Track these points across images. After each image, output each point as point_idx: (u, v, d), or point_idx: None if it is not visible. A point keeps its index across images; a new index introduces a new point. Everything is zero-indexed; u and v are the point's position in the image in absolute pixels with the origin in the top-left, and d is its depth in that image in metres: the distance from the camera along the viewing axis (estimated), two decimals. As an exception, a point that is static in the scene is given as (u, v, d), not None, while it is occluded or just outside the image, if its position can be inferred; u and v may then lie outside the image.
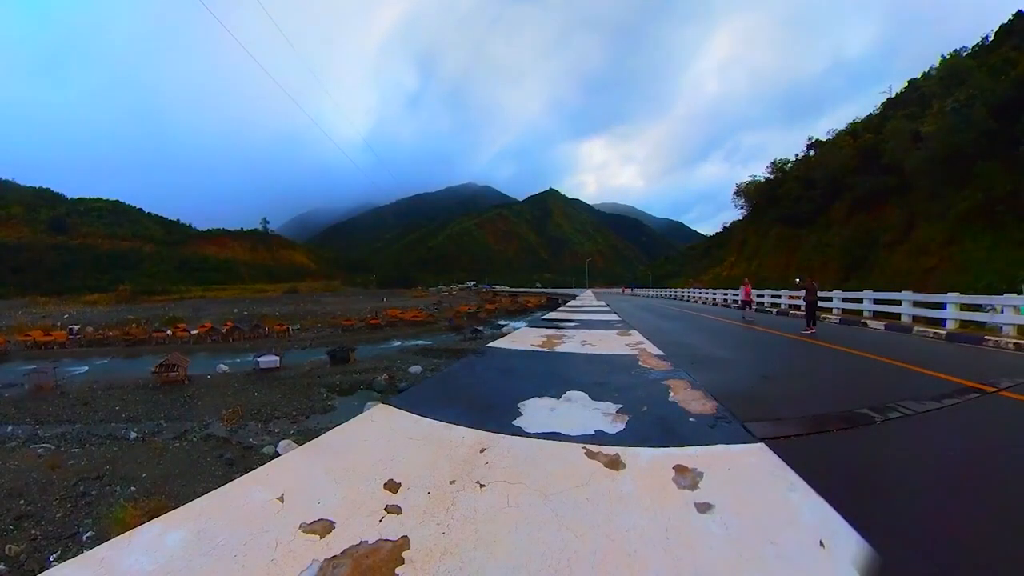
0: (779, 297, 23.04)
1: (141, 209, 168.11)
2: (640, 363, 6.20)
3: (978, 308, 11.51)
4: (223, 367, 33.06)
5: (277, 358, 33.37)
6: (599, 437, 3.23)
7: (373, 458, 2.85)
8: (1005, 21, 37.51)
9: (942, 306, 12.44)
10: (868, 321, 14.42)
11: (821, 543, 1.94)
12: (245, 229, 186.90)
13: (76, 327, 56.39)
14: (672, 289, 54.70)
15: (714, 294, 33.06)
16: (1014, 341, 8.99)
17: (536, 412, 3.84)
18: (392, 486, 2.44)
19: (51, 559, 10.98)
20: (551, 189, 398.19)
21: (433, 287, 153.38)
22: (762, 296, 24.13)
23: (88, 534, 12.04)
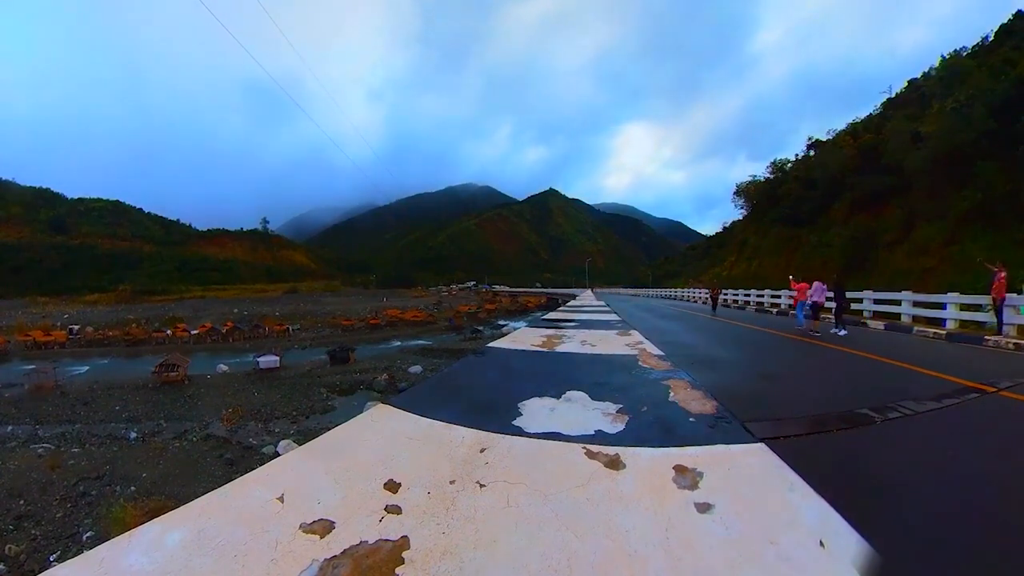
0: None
1: (141, 209, 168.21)
2: (640, 363, 6.20)
3: (978, 308, 11.51)
4: (223, 367, 33.05)
5: (277, 358, 33.36)
6: (599, 437, 3.23)
7: (373, 458, 2.85)
8: (1005, 21, 37.51)
9: (942, 306, 12.45)
10: (868, 321, 14.43)
11: (821, 543, 1.94)
12: (245, 229, 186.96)
13: (76, 327, 56.40)
14: (672, 289, 54.72)
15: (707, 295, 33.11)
16: (1014, 341, 9.00)
17: (536, 412, 3.83)
18: (392, 486, 2.44)
19: (51, 559, 10.98)
20: (551, 189, 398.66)
21: (433, 287, 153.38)
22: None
23: (88, 534, 12.04)
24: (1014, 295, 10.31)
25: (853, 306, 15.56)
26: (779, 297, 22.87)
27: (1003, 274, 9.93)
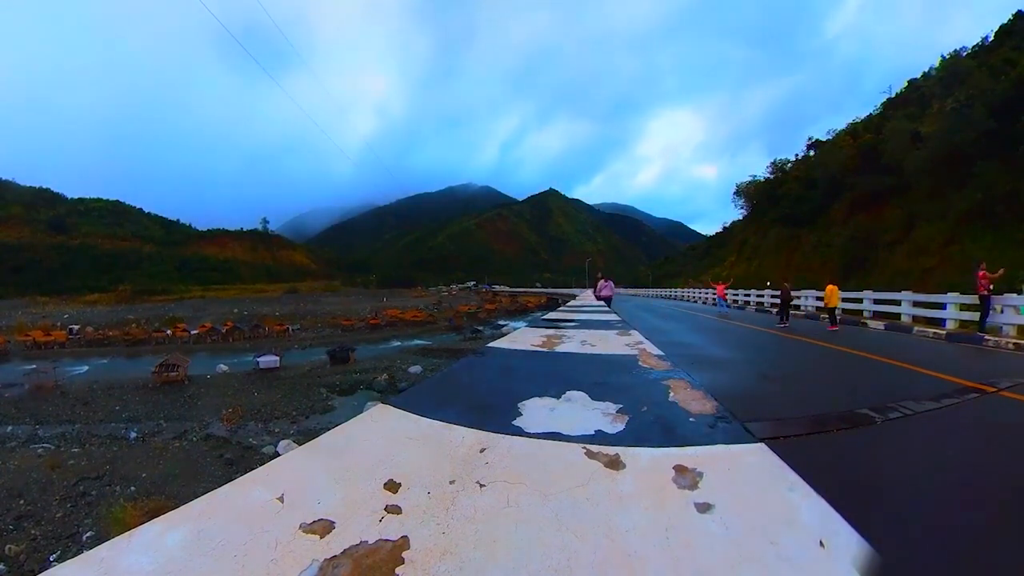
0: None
1: (141, 209, 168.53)
2: (640, 363, 6.20)
3: (977, 308, 11.52)
4: (223, 367, 33.04)
5: (277, 358, 33.36)
6: (599, 437, 3.22)
7: (373, 458, 2.85)
8: (1005, 21, 37.54)
9: (942, 306, 12.45)
10: (868, 321, 14.44)
11: (821, 543, 1.94)
12: (245, 229, 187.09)
13: (76, 327, 56.38)
14: (672, 289, 54.81)
15: (714, 294, 33.14)
16: (1014, 341, 9.00)
17: (536, 412, 3.83)
18: (392, 486, 2.44)
19: (51, 559, 10.99)
20: (551, 189, 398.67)
21: (433, 287, 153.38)
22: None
23: (88, 534, 12.04)
24: (1014, 295, 10.32)
25: (853, 306, 17.09)
26: (779, 297, 22.87)
27: (981, 272, 10.51)
